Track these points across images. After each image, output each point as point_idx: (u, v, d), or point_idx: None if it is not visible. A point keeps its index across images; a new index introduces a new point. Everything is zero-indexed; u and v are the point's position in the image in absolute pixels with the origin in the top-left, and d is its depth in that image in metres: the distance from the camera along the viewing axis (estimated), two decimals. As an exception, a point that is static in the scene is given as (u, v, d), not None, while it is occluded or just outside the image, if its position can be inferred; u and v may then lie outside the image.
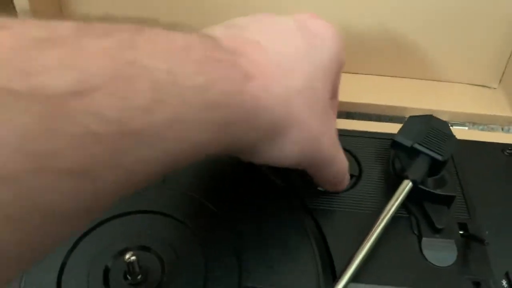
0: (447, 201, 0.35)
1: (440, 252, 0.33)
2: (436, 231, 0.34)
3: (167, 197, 0.34)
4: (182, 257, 0.31)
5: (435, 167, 0.35)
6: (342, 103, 0.47)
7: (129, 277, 0.29)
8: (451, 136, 0.37)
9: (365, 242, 0.31)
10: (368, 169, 0.38)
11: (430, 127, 0.37)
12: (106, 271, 0.30)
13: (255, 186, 0.36)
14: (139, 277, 0.29)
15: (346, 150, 0.39)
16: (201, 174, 0.36)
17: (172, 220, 0.33)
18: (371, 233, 0.32)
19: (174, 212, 0.33)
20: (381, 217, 0.32)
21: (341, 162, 0.32)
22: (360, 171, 0.38)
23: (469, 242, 0.33)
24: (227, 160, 0.37)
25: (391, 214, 0.32)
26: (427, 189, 0.34)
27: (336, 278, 0.30)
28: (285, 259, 0.31)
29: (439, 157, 0.35)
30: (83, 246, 0.31)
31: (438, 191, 0.34)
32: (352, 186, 0.37)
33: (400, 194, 0.33)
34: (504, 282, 0.32)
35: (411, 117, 0.38)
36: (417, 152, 0.35)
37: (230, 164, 0.37)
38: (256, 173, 0.36)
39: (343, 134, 0.40)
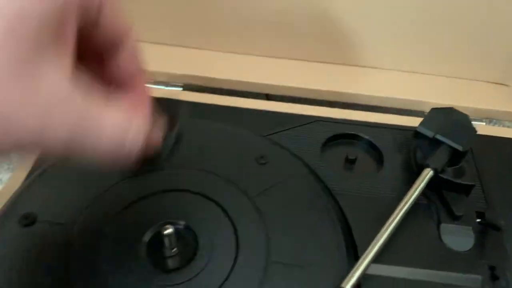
0: (466, 189, 0.36)
1: (458, 238, 0.35)
2: (454, 218, 0.35)
3: (203, 178, 0.36)
4: (215, 234, 0.33)
5: (455, 157, 0.37)
6: (365, 97, 0.49)
7: (165, 250, 0.31)
8: (471, 128, 0.38)
9: (386, 225, 0.33)
10: (391, 159, 0.40)
11: (451, 119, 0.38)
12: (143, 244, 0.32)
13: (282, 169, 0.38)
14: (174, 250, 0.31)
15: (368, 141, 0.41)
16: (231, 157, 0.38)
17: (207, 200, 0.35)
18: (392, 218, 0.33)
19: (209, 192, 0.35)
20: (403, 202, 0.34)
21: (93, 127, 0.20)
22: (382, 160, 0.40)
23: (486, 229, 0.35)
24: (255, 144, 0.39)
25: (413, 200, 0.34)
26: (447, 177, 0.36)
27: (358, 259, 0.32)
28: (310, 239, 0.33)
29: (459, 148, 0.36)
30: (122, 219, 0.33)
31: (457, 180, 0.36)
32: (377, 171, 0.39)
33: (421, 181, 0.35)
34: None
35: (433, 109, 0.39)
36: (438, 142, 0.37)
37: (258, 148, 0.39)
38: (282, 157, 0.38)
39: (366, 125, 0.42)
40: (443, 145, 0.37)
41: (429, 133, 0.37)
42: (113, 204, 0.34)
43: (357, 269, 0.30)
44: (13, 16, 0.17)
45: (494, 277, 0.33)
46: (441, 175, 0.36)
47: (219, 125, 0.41)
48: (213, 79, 0.47)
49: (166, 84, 0.47)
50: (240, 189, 0.36)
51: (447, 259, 0.34)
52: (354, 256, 0.33)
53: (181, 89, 0.47)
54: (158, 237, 0.31)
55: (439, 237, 0.35)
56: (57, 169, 0.37)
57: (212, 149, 0.39)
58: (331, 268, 0.32)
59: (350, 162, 0.40)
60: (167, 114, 0.25)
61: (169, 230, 0.31)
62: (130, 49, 0.23)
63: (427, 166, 0.36)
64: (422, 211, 0.36)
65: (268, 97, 0.48)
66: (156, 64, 0.47)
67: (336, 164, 0.40)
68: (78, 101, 0.19)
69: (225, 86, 0.47)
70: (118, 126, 0.21)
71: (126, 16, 0.22)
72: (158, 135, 0.24)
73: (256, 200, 0.35)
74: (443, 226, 0.35)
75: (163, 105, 0.25)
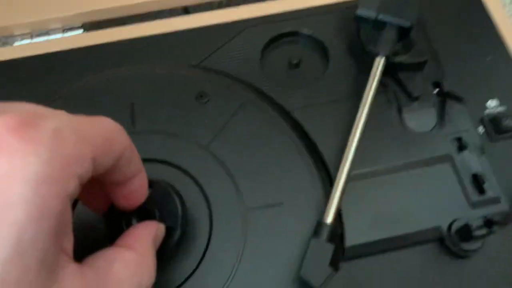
0: (420, 66, 0.34)
1: (421, 119, 0.34)
2: (414, 99, 0.34)
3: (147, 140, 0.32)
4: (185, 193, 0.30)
5: (403, 33, 0.34)
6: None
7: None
8: (413, -4, 0.34)
9: (352, 135, 0.31)
10: (336, 50, 0.36)
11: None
12: None
13: (228, 103, 0.34)
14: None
15: (309, 36, 0.37)
16: (169, 105, 0.34)
17: (158, 163, 0.32)
18: (356, 123, 0.32)
19: (158, 154, 0.32)
20: (362, 104, 0.32)
21: None
22: (328, 56, 0.36)
23: (446, 100, 0.34)
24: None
25: (371, 98, 0.32)
26: (399, 60, 0.34)
27: (330, 177, 0.31)
28: (278, 173, 0.32)
29: (406, 24, 0.33)
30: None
31: (409, 60, 0.34)
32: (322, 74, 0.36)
33: (375, 73, 0.33)
34: (480, 129, 0.34)
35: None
36: (382, 23, 0.34)
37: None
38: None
39: (298, 16, 0.38)
40: (388, 25, 0.33)
41: (370, 15, 0.34)
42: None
43: (333, 199, 0.29)
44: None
45: (461, 147, 0.33)
46: (393, 59, 0.33)
47: (142, 67, 0.36)
48: (116, 9, 0.39)
49: (62, 30, 0.39)
50: (190, 141, 0.33)
51: (416, 143, 0.33)
52: (327, 175, 0.32)
53: (81, 31, 0.40)
54: None
55: (401, 123, 0.34)
56: None
57: (144, 101, 0.34)
58: (308, 197, 0.31)
59: (295, 67, 0.36)
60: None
61: None
62: (138, 182, 0.24)
63: (377, 55, 0.33)
64: (381, 100, 0.34)
65: (186, 10, 0.42)
66: (43, 11, 0.39)
67: (280, 75, 0.36)
68: None
69: (132, 12, 0.40)
70: None
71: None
72: None
73: (211, 149, 0.32)
74: (404, 110, 0.34)
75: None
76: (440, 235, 0.30)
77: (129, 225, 0.26)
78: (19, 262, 0.16)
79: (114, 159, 0.21)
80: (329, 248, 0.27)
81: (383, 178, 0.32)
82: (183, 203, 0.28)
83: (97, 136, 0.20)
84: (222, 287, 0.28)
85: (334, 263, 0.27)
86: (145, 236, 0.24)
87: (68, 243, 0.19)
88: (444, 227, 0.30)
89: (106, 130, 0.21)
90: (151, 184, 0.26)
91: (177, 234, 0.27)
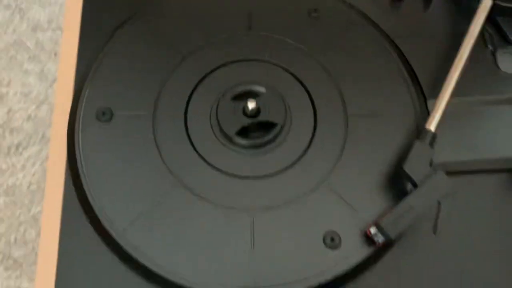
0: (520, 13, 0.37)
1: (513, 62, 0.36)
2: (509, 42, 0.37)
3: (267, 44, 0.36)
4: (291, 98, 0.34)
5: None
6: None
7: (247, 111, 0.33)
8: None
9: (453, 67, 0.34)
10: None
11: None
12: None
13: (337, 20, 0.37)
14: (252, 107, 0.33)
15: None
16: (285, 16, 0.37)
17: (274, 66, 0.35)
18: (458, 57, 0.34)
19: (275, 59, 0.35)
20: (467, 40, 0.34)
21: None
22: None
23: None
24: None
25: (476, 37, 0.35)
26: (502, 3, 0.36)
27: (426, 100, 0.34)
28: (380, 88, 0.35)
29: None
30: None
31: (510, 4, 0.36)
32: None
33: (482, 14, 0.35)
34: None
35: None
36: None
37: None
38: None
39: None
40: (499, -30, 0.36)
41: (483, -41, 0.36)
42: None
43: (437, 110, 0.32)
44: None
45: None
46: (498, 2, 0.36)
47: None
48: None
49: None
50: (301, 49, 0.35)
51: (504, 84, 0.36)
52: (423, 97, 0.35)
53: None
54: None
55: (495, 64, 0.36)
56: (118, 61, 0.35)
57: (261, 11, 0.37)
58: (406, 113, 0.34)
59: (399, 0, 0.39)
60: None
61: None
62: None
63: (485, -3, 0.35)
64: (477, 41, 0.37)
65: None
66: None
67: (387, 6, 0.39)
68: None
69: None
70: None
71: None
72: None
73: (320, 59, 0.35)
74: (498, 52, 0.36)
75: None
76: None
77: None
78: None
79: None
80: (431, 152, 0.30)
81: (474, 109, 0.35)
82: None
83: None
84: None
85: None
86: None
87: None
88: (523, 158, 0.33)
89: None
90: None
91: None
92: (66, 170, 0.33)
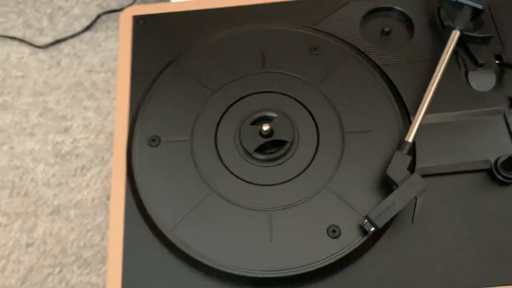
0: (486, 40, 0.44)
1: (483, 80, 0.44)
2: (479, 65, 0.44)
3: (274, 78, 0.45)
4: (297, 118, 0.42)
5: (475, 14, 0.44)
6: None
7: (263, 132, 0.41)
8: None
9: (429, 86, 0.42)
10: (420, 24, 0.47)
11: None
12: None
13: (333, 56, 0.45)
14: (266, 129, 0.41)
15: (400, 12, 0.48)
16: (289, 55, 0.46)
17: (282, 95, 0.44)
18: (433, 78, 0.42)
19: (282, 89, 0.44)
20: (440, 63, 0.42)
21: None
22: (413, 27, 0.47)
23: (504, 70, 0.44)
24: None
25: (446, 62, 0.42)
26: (470, 34, 0.44)
27: (409, 116, 0.42)
28: (370, 109, 0.43)
29: (480, 6, 0.43)
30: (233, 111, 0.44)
31: (479, 34, 0.44)
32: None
33: (452, 42, 0.43)
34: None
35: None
36: (461, 4, 0.44)
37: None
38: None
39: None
40: (464, 6, 0.44)
41: (452, -3, 0.44)
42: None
43: (414, 125, 0.40)
44: None
45: (512, 105, 0.43)
46: (466, 33, 0.44)
47: (269, 26, 0.48)
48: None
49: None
50: (305, 81, 0.44)
51: (475, 99, 0.43)
52: (407, 115, 0.43)
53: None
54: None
55: (468, 83, 0.44)
56: (162, 97, 0.45)
57: (271, 50, 0.46)
58: (392, 128, 0.42)
59: (386, 34, 0.47)
60: None
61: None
62: None
63: (453, 28, 0.43)
64: (452, 64, 0.45)
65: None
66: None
67: (375, 39, 0.47)
68: None
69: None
70: None
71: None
72: None
73: (320, 88, 0.44)
74: (470, 73, 0.44)
75: None
76: (489, 166, 0.41)
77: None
78: None
79: None
80: (408, 159, 0.38)
81: (449, 122, 0.42)
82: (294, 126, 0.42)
83: None
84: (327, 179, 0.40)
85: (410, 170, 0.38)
86: None
87: None
88: (492, 160, 0.41)
89: None
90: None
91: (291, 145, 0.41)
92: (126, 185, 0.42)
